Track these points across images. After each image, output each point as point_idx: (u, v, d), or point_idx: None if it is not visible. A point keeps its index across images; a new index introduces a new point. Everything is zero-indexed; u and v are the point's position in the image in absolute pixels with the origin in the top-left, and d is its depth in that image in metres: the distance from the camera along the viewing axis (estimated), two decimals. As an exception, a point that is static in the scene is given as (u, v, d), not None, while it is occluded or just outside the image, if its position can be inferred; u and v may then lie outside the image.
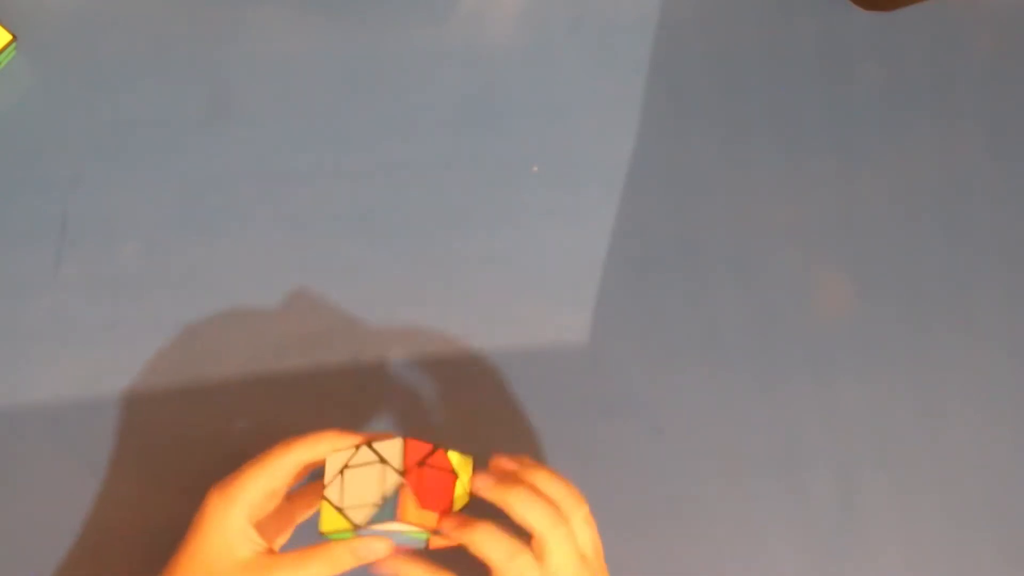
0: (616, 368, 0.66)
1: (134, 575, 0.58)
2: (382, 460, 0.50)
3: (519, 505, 0.49)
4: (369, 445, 0.51)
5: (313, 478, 0.55)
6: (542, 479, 0.51)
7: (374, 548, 0.50)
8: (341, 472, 0.51)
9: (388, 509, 0.49)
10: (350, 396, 0.63)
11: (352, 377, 0.63)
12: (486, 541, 0.48)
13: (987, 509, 0.66)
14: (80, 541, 0.59)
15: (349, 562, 0.50)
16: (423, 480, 0.50)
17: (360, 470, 0.51)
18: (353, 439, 0.52)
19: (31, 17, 0.67)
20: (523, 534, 0.50)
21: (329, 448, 0.52)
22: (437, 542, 0.53)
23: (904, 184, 0.72)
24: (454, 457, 0.52)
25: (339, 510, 0.50)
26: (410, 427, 0.63)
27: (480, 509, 0.52)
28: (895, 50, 0.75)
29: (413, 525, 0.49)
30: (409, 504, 0.49)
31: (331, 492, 0.51)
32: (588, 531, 0.51)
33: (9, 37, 0.64)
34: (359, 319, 0.64)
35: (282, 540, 0.55)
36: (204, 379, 0.62)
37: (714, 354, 0.67)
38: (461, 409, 0.64)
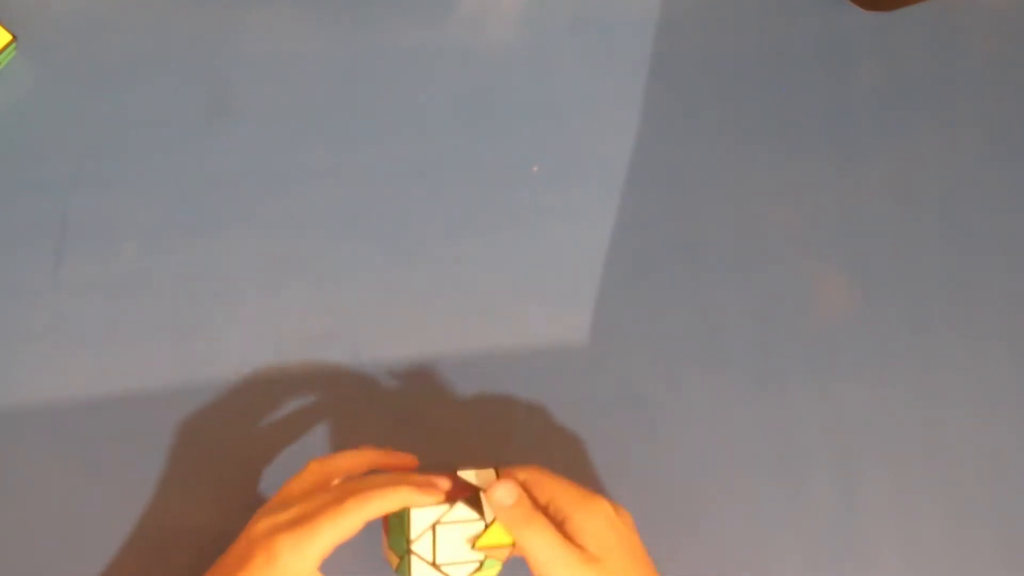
0: (616, 368, 0.66)
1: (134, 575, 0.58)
2: (482, 517, 0.52)
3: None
4: (464, 500, 0.52)
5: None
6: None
7: None
8: (432, 528, 0.51)
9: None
10: (350, 396, 0.63)
11: (352, 377, 0.63)
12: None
13: (987, 509, 0.66)
14: (80, 542, 0.59)
15: None
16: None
17: (456, 527, 0.52)
18: (433, 496, 0.51)
19: (31, 17, 0.67)
20: None
21: (405, 501, 0.51)
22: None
23: (904, 184, 0.72)
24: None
25: (435, 566, 0.51)
26: (410, 427, 0.63)
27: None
28: (895, 50, 0.75)
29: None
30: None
31: (421, 547, 0.51)
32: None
33: (9, 37, 0.64)
34: (359, 319, 0.64)
35: None
36: (204, 379, 0.62)
37: (714, 354, 0.67)
38: (461, 409, 0.64)
